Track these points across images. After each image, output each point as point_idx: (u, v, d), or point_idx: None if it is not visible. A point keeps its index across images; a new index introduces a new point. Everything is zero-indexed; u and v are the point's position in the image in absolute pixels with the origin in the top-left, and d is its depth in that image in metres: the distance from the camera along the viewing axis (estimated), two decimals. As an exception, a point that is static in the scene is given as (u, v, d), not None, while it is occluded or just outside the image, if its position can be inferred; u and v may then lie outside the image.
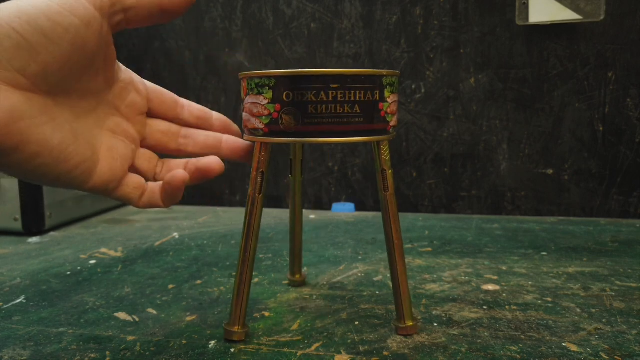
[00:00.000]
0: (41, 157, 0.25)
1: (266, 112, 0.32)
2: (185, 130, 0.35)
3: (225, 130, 0.37)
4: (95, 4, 0.26)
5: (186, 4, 0.29)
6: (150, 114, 0.34)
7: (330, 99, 0.31)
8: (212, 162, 0.33)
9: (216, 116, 0.37)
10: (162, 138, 0.34)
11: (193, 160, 0.33)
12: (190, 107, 0.36)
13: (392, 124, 0.34)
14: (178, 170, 0.31)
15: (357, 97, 0.32)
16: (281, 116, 0.31)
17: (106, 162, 0.30)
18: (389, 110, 0.33)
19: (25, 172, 0.26)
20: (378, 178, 0.35)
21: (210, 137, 0.36)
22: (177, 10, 0.29)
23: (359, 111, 0.32)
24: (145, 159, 0.33)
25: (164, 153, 0.35)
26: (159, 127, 0.34)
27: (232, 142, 0.36)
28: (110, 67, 0.30)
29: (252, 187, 0.34)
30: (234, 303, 0.35)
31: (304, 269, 0.51)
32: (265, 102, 0.32)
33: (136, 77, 0.33)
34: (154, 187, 0.32)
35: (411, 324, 0.36)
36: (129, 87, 0.32)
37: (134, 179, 0.32)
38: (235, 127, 0.38)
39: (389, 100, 0.33)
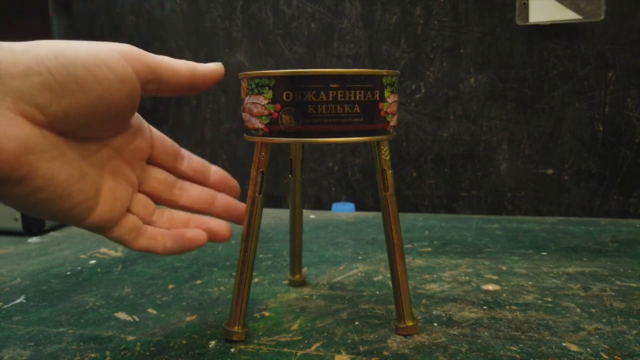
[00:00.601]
0: (45, 192, 0.25)
1: (266, 112, 0.32)
2: (181, 182, 0.35)
3: (222, 185, 0.37)
4: (134, 68, 0.27)
5: (215, 82, 0.31)
6: (150, 160, 0.34)
7: (330, 99, 0.31)
8: (224, 227, 0.34)
9: (214, 170, 0.37)
10: (157, 186, 0.34)
11: (201, 220, 0.33)
12: (190, 160, 0.36)
13: (392, 124, 0.34)
14: (200, 231, 0.32)
15: (357, 97, 0.32)
16: (281, 116, 0.31)
17: (107, 203, 0.29)
18: (389, 110, 0.33)
19: (26, 205, 0.26)
20: (378, 178, 0.35)
21: (205, 192, 0.35)
22: (205, 87, 0.31)
23: (359, 111, 0.32)
24: (142, 204, 0.33)
25: (156, 202, 0.34)
26: (156, 175, 0.34)
27: (225, 201, 0.36)
28: (129, 120, 0.30)
29: (252, 187, 0.34)
30: (234, 303, 0.35)
31: (304, 269, 0.51)
32: (265, 102, 0.32)
33: (144, 123, 0.33)
34: (156, 232, 0.32)
35: (411, 323, 0.36)
36: (136, 132, 0.32)
37: (130, 220, 0.31)
38: (233, 182, 0.37)
39: (389, 100, 0.33)
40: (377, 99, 0.32)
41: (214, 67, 0.32)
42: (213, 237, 0.34)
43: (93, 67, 0.25)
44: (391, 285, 0.46)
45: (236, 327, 0.35)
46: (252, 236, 0.34)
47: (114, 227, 0.30)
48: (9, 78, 0.23)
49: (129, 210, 0.32)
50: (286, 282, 0.48)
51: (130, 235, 0.31)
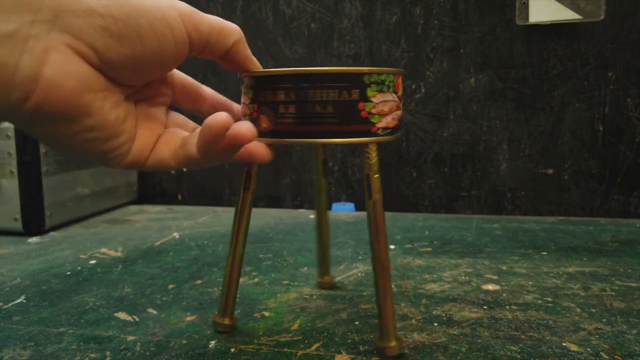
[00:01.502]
0: (95, 132, 0.25)
1: (248, 112, 0.32)
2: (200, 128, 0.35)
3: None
4: (188, 31, 0.27)
5: (250, 64, 0.31)
6: (172, 103, 0.34)
7: (302, 98, 0.30)
8: (260, 147, 0.32)
9: (236, 107, 0.36)
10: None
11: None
12: (213, 99, 0.35)
13: (380, 125, 0.31)
14: (221, 113, 0.29)
15: (330, 97, 0.30)
16: (258, 116, 0.32)
17: (142, 138, 0.29)
18: (374, 111, 0.31)
19: (72, 145, 0.26)
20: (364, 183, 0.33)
21: None
22: (240, 59, 0.31)
23: (332, 111, 0.30)
24: (172, 132, 0.32)
25: None
26: (175, 120, 0.33)
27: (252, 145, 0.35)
28: (166, 74, 0.31)
29: (241, 184, 0.35)
30: (223, 294, 0.36)
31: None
32: (248, 102, 0.32)
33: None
34: (190, 137, 0.30)
35: (394, 344, 0.33)
36: (162, 80, 0.32)
37: (160, 140, 0.30)
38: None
39: (375, 100, 0.31)
40: (356, 98, 0.30)
41: (253, 61, 0.32)
42: (253, 158, 0.33)
43: (155, 21, 0.25)
44: (392, 285, 0.46)
45: (226, 320, 0.36)
46: (241, 230, 0.35)
47: (149, 156, 0.30)
48: (71, 14, 0.23)
49: (157, 142, 0.31)
50: (312, 282, 0.47)
51: (164, 152, 0.30)
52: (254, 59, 0.32)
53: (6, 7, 0.21)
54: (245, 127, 0.28)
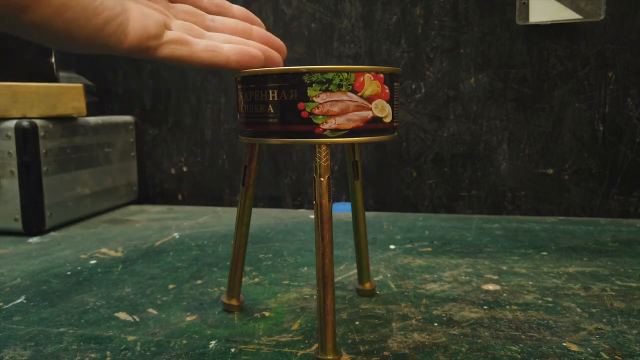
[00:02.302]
0: (69, 10, 0.25)
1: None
2: (212, 16, 0.34)
3: (247, 21, 0.36)
4: None
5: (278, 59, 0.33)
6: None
7: (249, 99, 0.31)
8: (274, 53, 0.33)
9: (236, 8, 0.35)
10: (189, 19, 0.33)
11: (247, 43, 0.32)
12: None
13: (327, 126, 0.30)
14: (258, 52, 0.31)
15: (271, 97, 0.30)
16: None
17: (138, 20, 0.28)
18: (317, 111, 0.30)
19: (57, 31, 0.25)
20: None
21: (239, 24, 0.34)
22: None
23: (272, 111, 0.30)
24: (185, 28, 0.32)
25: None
26: (184, 9, 0.33)
27: (261, 33, 0.34)
28: None
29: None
30: (229, 277, 0.40)
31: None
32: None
33: None
34: (214, 45, 0.30)
35: (331, 357, 0.32)
36: None
37: (174, 35, 0.30)
38: (258, 20, 0.36)
39: (318, 100, 0.30)
40: (295, 98, 0.30)
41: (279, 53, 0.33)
42: (269, 60, 0.33)
43: None
44: (392, 285, 0.46)
45: (234, 300, 0.40)
46: (243, 221, 0.39)
47: (161, 46, 0.29)
48: None
49: (169, 23, 0.31)
50: (353, 291, 0.44)
51: (183, 49, 0.29)
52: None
53: None
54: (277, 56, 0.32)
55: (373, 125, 0.31)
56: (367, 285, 0.43)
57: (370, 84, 0.31)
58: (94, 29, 0.26)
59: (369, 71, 0.30)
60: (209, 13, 0.34)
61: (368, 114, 0.31)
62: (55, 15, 0.24)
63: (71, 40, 0.26)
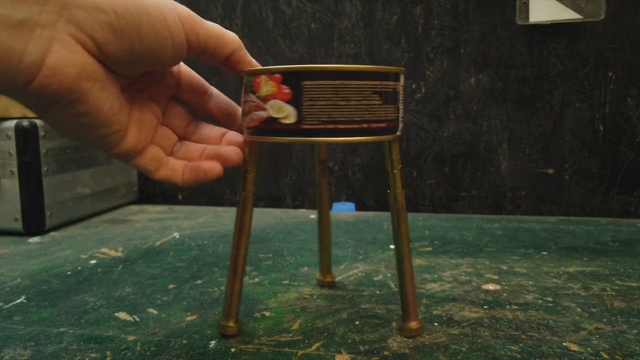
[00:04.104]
0: (89, 117, 0.27)
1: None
2: (195, 121, 0.36)
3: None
4: (187, 35, 0.28)
5: (248, 66, 0.32)
6: (176, 97, 0.35)
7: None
8: (232, 152, 0.33)
9: (240, 112, 0.36)
10: (175, 122, 0.35)
11: (213, 149, 0.34)
12: (218, 98, 0.36)
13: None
14: (215, 163, 0.33)
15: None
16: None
17: (134, 133, 0.31)
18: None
19: (68, 127, 0.27)
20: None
21: (214, 130, 0.36)
22: (238, 65, 0.32)
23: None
24: (165, 135, 0.34)
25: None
26: (174, 112, 0.35)
27: (231, 136, 0.35)
28: (166, 70, 0.33)
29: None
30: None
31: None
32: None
33: None
34: (176, 164, 0.33)
35: (232, 324, 0.36)
36: (165, 73, 0.33)
37: (153, 151, 0.32)
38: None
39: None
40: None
41: (252, 61, 0.33)
42: (225, 163, 0.34)
43: (155, 22, 0.27)
44: (392, 285, 0.46)
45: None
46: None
47: (138, 156, 0.32)
48: (76, 7, 0.25)
49: (152, 142, 0.33)
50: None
51: (152, 164, 0.32)
52: (255, 63, 0.33)
53: None
54: (233, 153, 0.33)
55: (270, 125, 0.31)
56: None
57: (265, 85, 0.31)
58: (99, 135, 0.28)
59: (263, 72, 0.31)
60: (214, 116, 0.36)
61: (263, 114, 0.31)
62: (74, 117, 0.27)
63: (74, 135, 0.29)
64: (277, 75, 0.31)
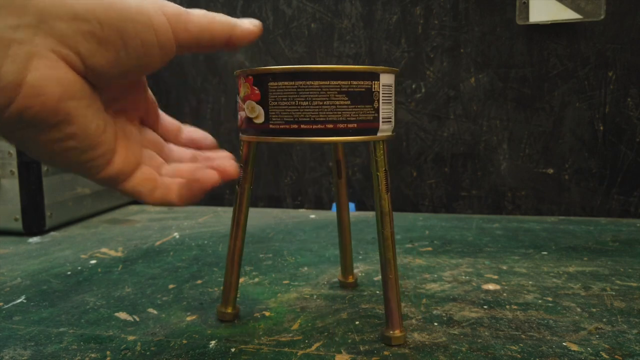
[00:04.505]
0: (75, 140, 0.25)
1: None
2: (169, 145, 0.34)
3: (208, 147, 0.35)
4: (176, 34, 0.26)
5: (251, 42, 0.30)
6: (145, 122, 0.33)
7: None
8: (227, 164, 0.31)
9: (187, 130, 0.35)
10: (149, 146, 0.33)
11: (205, 163, 0.32)
12: (165, 120, 0.34)
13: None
14: (209, 170, 0.30)
15: None
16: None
17: (121, 155, 0.29)
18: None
19: (51, 153, 0.25)
20: None
21: (184, 153, 0.34)
22: (240, 43, 0.30)
23: None
24: (149, 157, 0.32)
25: None
26: (147, 136, 0.33)
27: (207, 154, 0.34)
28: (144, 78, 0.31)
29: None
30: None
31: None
32: None
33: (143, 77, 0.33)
34: (169, 183, 0.31)
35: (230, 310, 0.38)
36: (141, 86, 0.32)
37: (145, 171, 0.30)
38: (211, 140, 0.36)
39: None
40: None
41: (252, 29, 0.31)
42: (222, 176, 0.32)
43: (140, 27, 0.25)
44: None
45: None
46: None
47: (128, 179, 0.29)
48: (56, 19, 0.23)
49: (141, 162, 0.31)
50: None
51: (145, 186, 0.30)
52: (255, 27, 0.31)
53: None
54: (229, 165, 0.30)
55: (247, 124, 0.33)
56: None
57: (243, 86, 0.33)
58: (86, 159, 0.26)
59: (242, 74, 0.32)
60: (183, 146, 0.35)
61: (243, 114, 0.33)
62: (59, 141, 0.24)
63: (57, 162, 0.26)
64: (250, 77, 0.32)
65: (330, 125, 0.31)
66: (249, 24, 0.30)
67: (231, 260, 0.38)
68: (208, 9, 0.88)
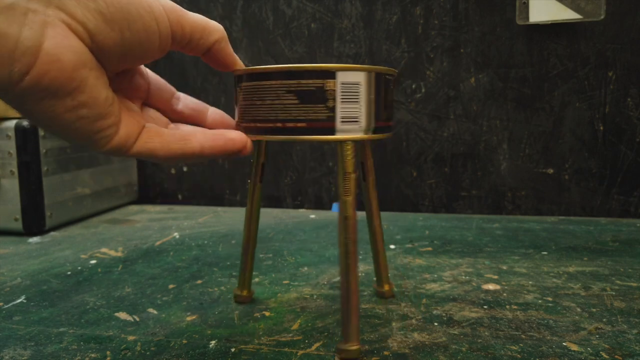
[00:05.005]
0: (87, 108, 0.26)
1: None
2: (173, 124, 0.35)
3: (220, 125, 0.36)
4: (172, 27, 0.28)
5: (231, 59, 0.32)
6: (146, 101, 0.34)
7: None
8: (236, 135, 0.32)
9: (212, 110, 0.36)
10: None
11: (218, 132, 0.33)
12: (186, 100, 0.36)
13: None
14: (239, 133, 0.32)
15: None
16: None
17: (126, 121, 0.29)
18: None
19: (64, 123, 0.26)
20: None
21: (197, 128, 0.35)
22: (222, 56, 0.32)
23: None
24: (155, 121, 0.33)
25: None
26: (150, 114, 0.34)
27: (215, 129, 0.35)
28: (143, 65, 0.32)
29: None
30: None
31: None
32: None
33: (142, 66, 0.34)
34: (186, 133, 0.31)
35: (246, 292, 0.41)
36: (135, 70, 0.33)
37: (150, 129, 0.30)
38: (230, 120, 0.37)
39: None
40: None
41: (237, 64, 0.33)
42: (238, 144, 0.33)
43: (143, 11, 0.26)
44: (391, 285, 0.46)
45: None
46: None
47: (135, 143, 0.29)
48: None
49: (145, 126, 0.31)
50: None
51: (154, 141, 0.30)
52: (237, 57, 0.33)
53: None
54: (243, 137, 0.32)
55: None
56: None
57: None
58: (96, 129, 0.27)
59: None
60: (182, 117, 0.35)
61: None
62: (71, 109, 0.25)
63: (69, 133, 0.27)
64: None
65: (279, 124, 0.31)
66: (234, 59, 0.33)
67: (246, 244, 0.41)
68: (208, 9, 0.88)
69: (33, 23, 0.23)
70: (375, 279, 0.44)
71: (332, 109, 0.31)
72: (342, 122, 0.31)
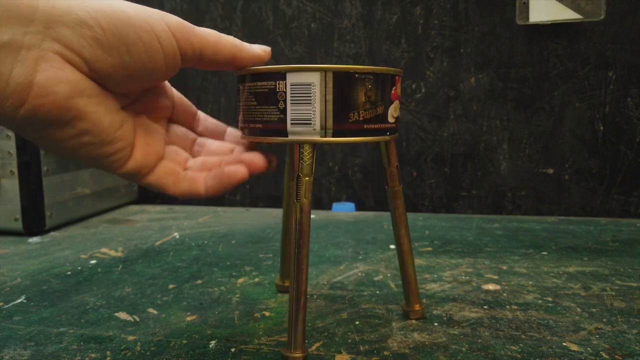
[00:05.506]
0: (90, 135, 0.26)
1: None
2: (200, 139, 0.35)
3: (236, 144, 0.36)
4: (179, 44, 0.27)
5: (258, 64, 0.31)
6: (170, 119, 0.35)
7: None
8: (256, 157, 0.32)
9: (229, 131, 0.37)
10: (178, 142, 0.34)
11: (233, 158, 0.33)
12: (206, 121, 0.36)
13: None
14: (238, 165, 0.31)
15: None
16: None
17: (140, 149, 0.30)
18: None
19: (70, 149, 0.26)
20: None
21: (223, 145, 0.35)
22: (245, 65, 0.31)
23: None
24: (174, 152, 0.33)
25: None
26: (176, 132, 0.34)
27: (243, 150, 0.35)
28: (160, 84, 0.32)
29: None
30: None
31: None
32: None
33: (167, 83, 0.34)
34: (195, 175, 0.32)
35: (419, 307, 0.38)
36: (161, 91, 0.33)
37: (167, 165, 0.32)
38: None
39: None
40: None
41: (259, 53, 0.32)
42: (250, 168, 0.33)
43: (142, 32, 0.26)
44: (392, 285, 0.46)
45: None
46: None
47: (150, 173, 0.31)
48: (61, 25, 0.24)
49: (163, 158, 0.32)
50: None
51: (168, 179, 0.31)
52: (259, 56, 0.33)
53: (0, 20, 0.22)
54: (258, 158, 0.32)
55: None
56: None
57: None
58: (103, 154, 0.27)
59: None
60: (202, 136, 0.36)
61: None
62: (74, 137, 0.26)
63: (77, 157, 0.27)
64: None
65: (243, 125, 0.33)
66: (257, 49, 0.32)
67: (287, 236, 0.42)
68: (208, 8, 0.88)
69: (25, 59, 0.23)
70: (405, 300, 0.39)
71: (283, 111, 0.30)
72: (293, 124, 0.30)
